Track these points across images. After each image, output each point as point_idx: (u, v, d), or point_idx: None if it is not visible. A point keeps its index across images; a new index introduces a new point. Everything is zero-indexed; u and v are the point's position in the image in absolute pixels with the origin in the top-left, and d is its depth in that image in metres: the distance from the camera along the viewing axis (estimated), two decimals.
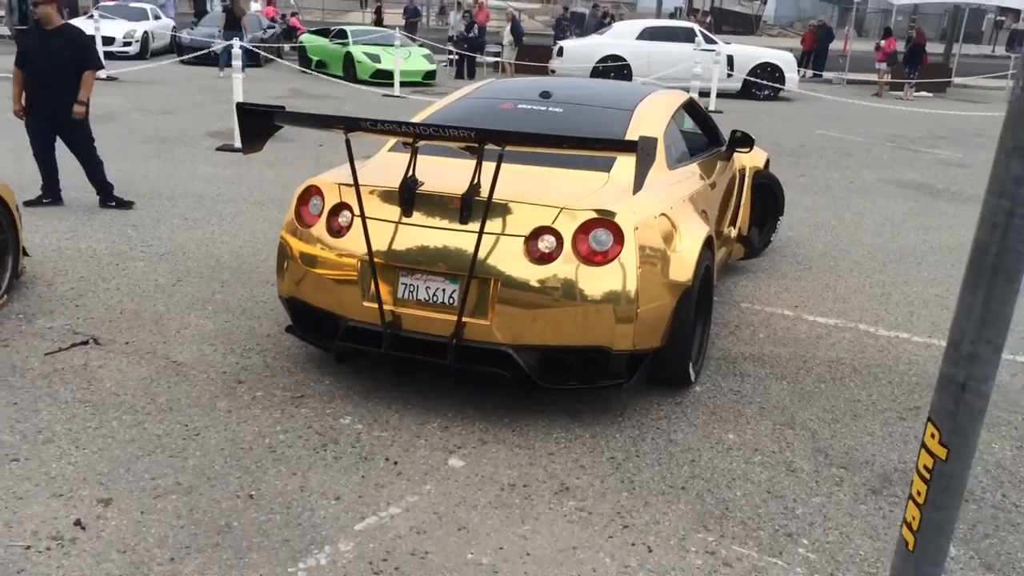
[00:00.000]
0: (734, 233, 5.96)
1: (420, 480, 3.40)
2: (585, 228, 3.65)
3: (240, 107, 3.71)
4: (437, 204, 3.79)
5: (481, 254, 3.62)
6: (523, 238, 3.66)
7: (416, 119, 4.71)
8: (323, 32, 22.21)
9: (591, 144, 3.60)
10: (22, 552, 2.88)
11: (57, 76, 6.93)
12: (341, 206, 3.97)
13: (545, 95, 4.95)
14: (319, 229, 3.99)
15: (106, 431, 3.68)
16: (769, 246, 6.70)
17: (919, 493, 1.23)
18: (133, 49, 21.20)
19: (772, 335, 5.18)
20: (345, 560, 2.90)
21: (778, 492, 3.47)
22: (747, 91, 19.93)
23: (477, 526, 3.13)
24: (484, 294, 3.67)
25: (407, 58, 19.18)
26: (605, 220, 3.66)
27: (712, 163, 5.36)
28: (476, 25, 21.93)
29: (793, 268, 6.60)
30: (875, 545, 3.15)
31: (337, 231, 3.96)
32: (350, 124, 3.55)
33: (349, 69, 19.65)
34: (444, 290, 3.75)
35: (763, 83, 19.59)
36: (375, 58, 19.45)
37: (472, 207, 3.69)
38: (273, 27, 24.21)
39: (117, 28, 21.02)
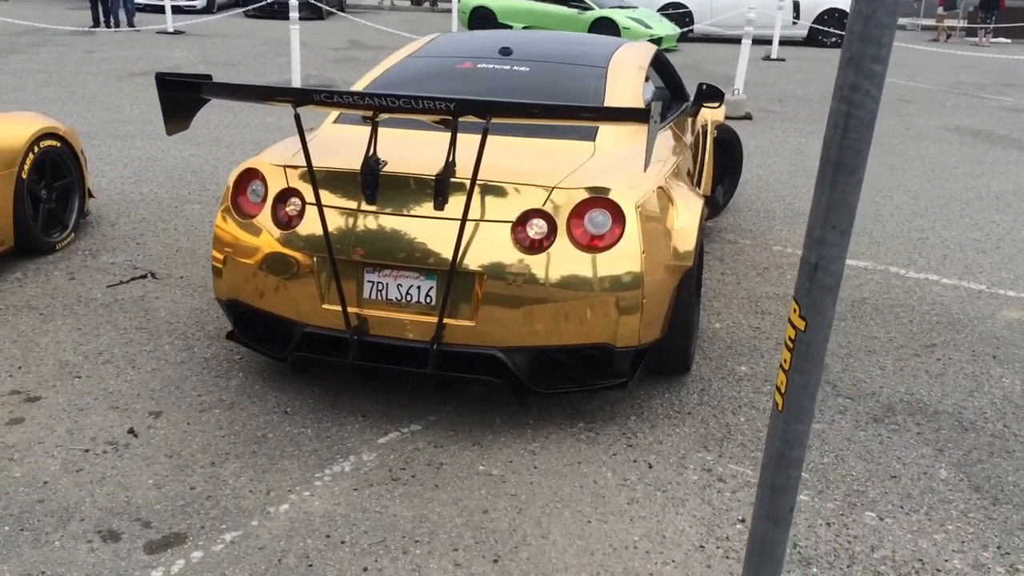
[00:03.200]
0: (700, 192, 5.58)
1: (441, 401, 3.65)
2: (579, 209, 3.21)
3: (160, 78, 3.08)
4: (406, 187, 3.26)
5: (463, 245, 3.15)
6: (510, 224, 3.20)
7: (357, 86, 4.25)
8: None
9: (596, 114, 3.19)
10: (82, 454, 3.22)
11: None
12: (288, 192, 3.41)
13: (505, 51, 4.43)
14: (263, 220, 3.44)
15: (159, 354, 4.01)
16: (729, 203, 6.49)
17: (786, 361, 1.40)
18: (200, 3, 21.66)
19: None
20: (367, 468, 3.18)
21: None
22: (815, 39, 19.54)
23: (491, 442, 3.37)
24: (467, 291, 3.21)
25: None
26: (601, 199, 3.22)
27: (683, 122, 4.99)
28: None
29: None
30: (867, 467, 3.31)
31: (286, 222, 3.40)
32: (300, 96, 3.00)
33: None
34: (419, 287, 3.26)
35: (829, 31, 19.17)
36: (644, 24, 17.77)
37: (448, 189, 3.19)
38: None
39: None
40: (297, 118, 3.08)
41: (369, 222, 3.28)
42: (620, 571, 2.69)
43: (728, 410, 3.69)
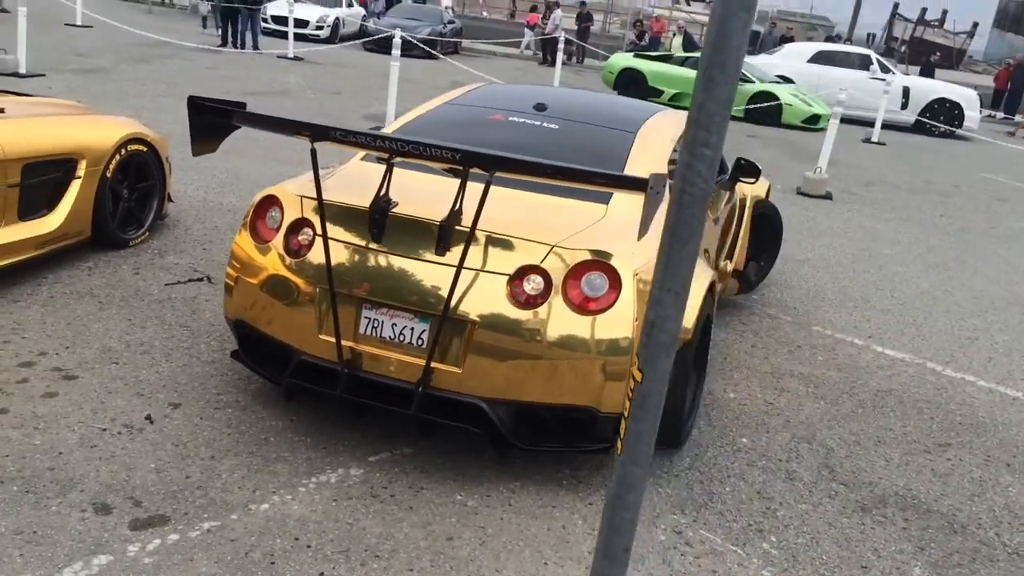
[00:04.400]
0: (730, 267, 5.52)
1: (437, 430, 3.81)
2: (577, 270, 3.24)
3: (192, 101, 3.19)
4: (412, 230, 3.34)
5: (457, 292, 3.22)
6: (507, 277, 3.26)
7: (392, 127, 4.44)
8: (663, 58, 19.63)
9: (594, 178, 3.04)
10: (99, 432, 3.50)
11: None
12: (302, 222, 3.54)
13: (540, 107, 4.53)
14: (276, 246, 3.56)
15: (194, 351, 4.30)
16: (764, 279, 6.38)
17: (627, 409, 1.52)
18: (324, 33, 22.70)
19: (831, 359, 5.27)
20: (351, 482, 3.36)
21: (767, 494, 3.67)
22: (923, 127, 19.22)
23: (474, 475, 3.51)
24: (458, 338, 3.26)
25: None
26: (600, 263, 3.26)
27: (718, 193, 4.97)
28: (647, 35, 22.15)
29: (886, 301, 6.58)
30: (840, 553, 3.32)
31: (296, 250, 3.52)
32: (318, 132, 3.12)
33: (763, 112, 17.35)
34: (412, 329, 3.33)
35: (932, 123, 18.82)
36: (806, 101, 17.54)
37: (451, 237, 3.27)
38: (453, 22, 25.22)
39: (311, 12, 22.62)
40: (313, 152, 3.20)
41: (372, 259, 3.36)
42: None
43: (716, 479, 3.74)
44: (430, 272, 3.29)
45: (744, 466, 3.87)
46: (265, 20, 22.28)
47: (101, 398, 3.76)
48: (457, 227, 3.27)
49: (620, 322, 3.23)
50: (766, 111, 17.35)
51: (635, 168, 3.99)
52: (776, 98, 17.50)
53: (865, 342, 5.64)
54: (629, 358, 3.20)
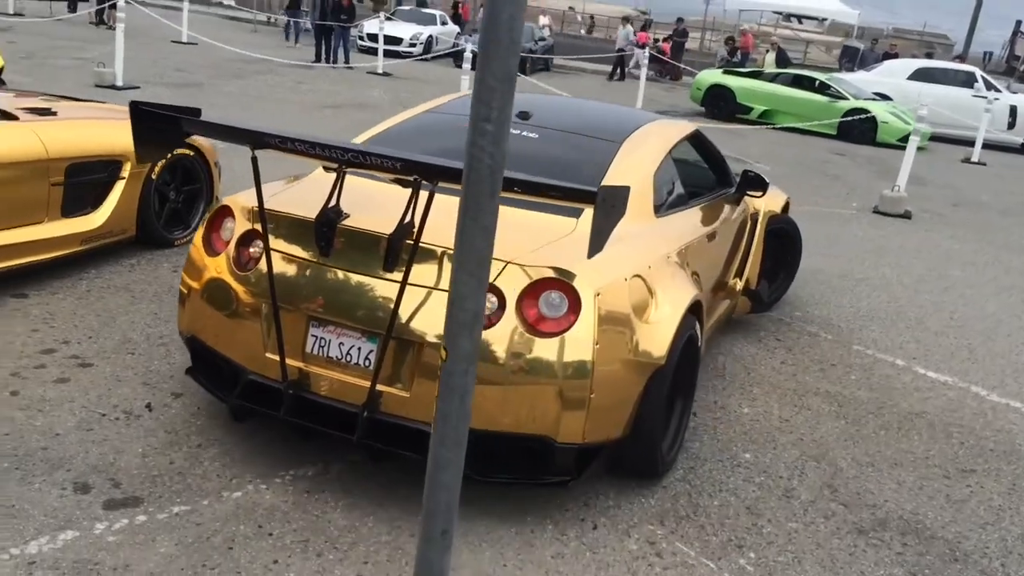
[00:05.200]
0: (740, 285, 5.27)
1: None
2: (535, 289, 3.03)
3: (135, 108, 3.01)
4: (360, 243, 3.14)
5: (405, 311, 3.01)
6: None
7: (368, 133, 4.24)
8: (753, 74, 19.21)
9: (539, 189, 2.75)
10: (98, 417, 3.64)
11: None
12: (252, 234, 3.36)
13: (524, 115, 4.25)
14: (225, 259, 3.41)
15: None
16: (781, 299, 6.07)
17: (436, 390, 1.48)
18: (417, 50, 23.16)
19: (864, 379, 5.06)
20: (328, 476, 3.40)
21: (757, 510, 3.54)
22: None
23: None
24: (405, 359, 3.07)
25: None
26: (559, 281, 3.03)
27: (716, 207, 4.71)
28: (740, 51, 21.80)
29: (942, 323, 6.28)
30: (823, 575, 3.17)
31: (244, 263, 3.36)
32: (256, 140, 2.94)
33: (856, 129, 16.80)
34: (359, 349, 3.14)
35: None
36: (903, 119, 16.70)
37: (400, 251, 3.02)
38: (544, 40, 25.38)
39: (405, 30, 23.14)
40: (254, 160, 2.99)
41: (319, 274, 3.18)
42: None
43: (706, 492, 3.63)
44: (378, 289, 3.10)
45: (740, 481, 3.75)
46: (361, 38, 22.96)
47: (109, 385, 3.91)
48: (407, 241, 3.00)
49: (577, 345, 3.01)
50: (859, 129, 16.82)
51: (615, 179, 3.74)
52: (871, 116, 16.94)
53: (907, 363, 5.39)
54: (588, 383, 3.03)
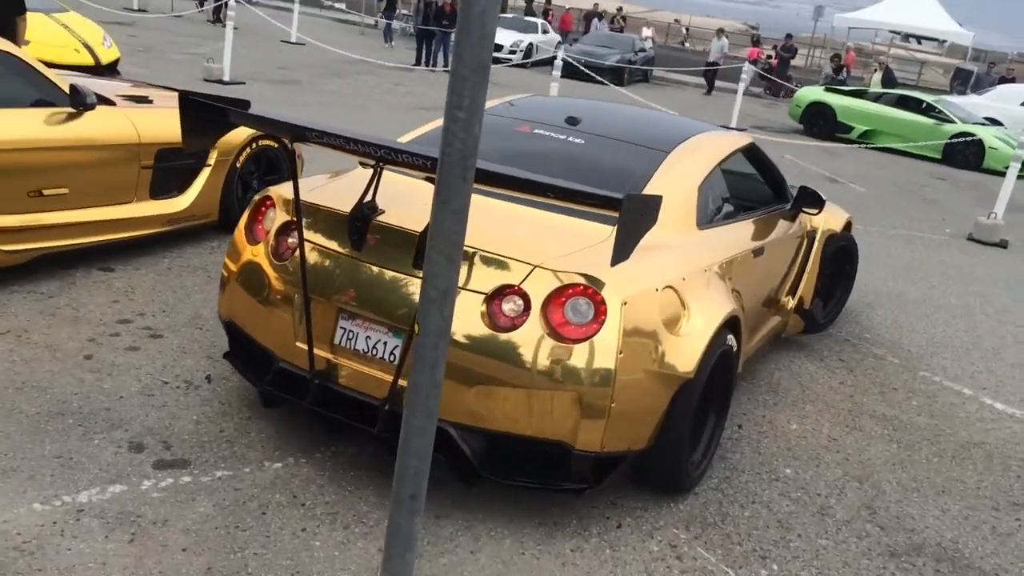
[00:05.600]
0: (792, 304, 5.16)
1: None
2: (561, 293, 3.03)
3: (184, 98, 3.05)
4: (392, 240, 3.18)
5: None
6: (483, 296, 3.06)
7: (420, 130, 4.31)
8: (856, 93, 18.72)
9: (564, 193, 2.73)
10: (161, 384, 3.87)
11: None
12: (291, 225, 3.42)
13: (572, 121, 4.29)
14: (265, 248, 3.49)
15: None
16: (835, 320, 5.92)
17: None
18: (517, 58, 23.38)
19: (926, 405, 4.93)
20: (366, 455, 3.53)
21: (788, 524, 3.52)
22: None
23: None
24: None
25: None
26: (586, 287, 3.03)
27: (769, 223, 4.62)
28: (845, 68, 21.33)
29: (1020, 355, 6.06)
30: None
31: (282, 253, 3.43)
32: (295, 133, 3.00)
33: (960, 154, 16.39)
34: (385, 343, 3.18)
35: None
36: (1012, 144, 15.50)
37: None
38: (644, 51, 25.28)
39: (506, 37, 23.38)
40: (291, 153, 3.11)
41: (351, 268, 3.22)
42: None
43: (739, 502, 3.63)
44: (407, 285, 3.12)
45: (775, 495, 3.73)
46: None
47: (175, 357, 4.14)
48: None
49: (601, 352, 2.99)
50: (965, 153, 16.25)
51: (657, 188, 3.71)
52: (979, 140, 16.34)
53: (975, 393, 5.24)
54: (609, 392, 3.01)
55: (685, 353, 3.29)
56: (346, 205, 3.27)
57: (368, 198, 3.23)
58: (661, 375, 3.23)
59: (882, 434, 4.47)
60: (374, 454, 3.55)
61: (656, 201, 2.75)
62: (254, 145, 5.91)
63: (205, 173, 5.63)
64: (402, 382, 3.08)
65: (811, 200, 4.86)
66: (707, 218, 3.99)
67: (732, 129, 5.01)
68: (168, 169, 5.38)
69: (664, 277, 3.34)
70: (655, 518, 3.42)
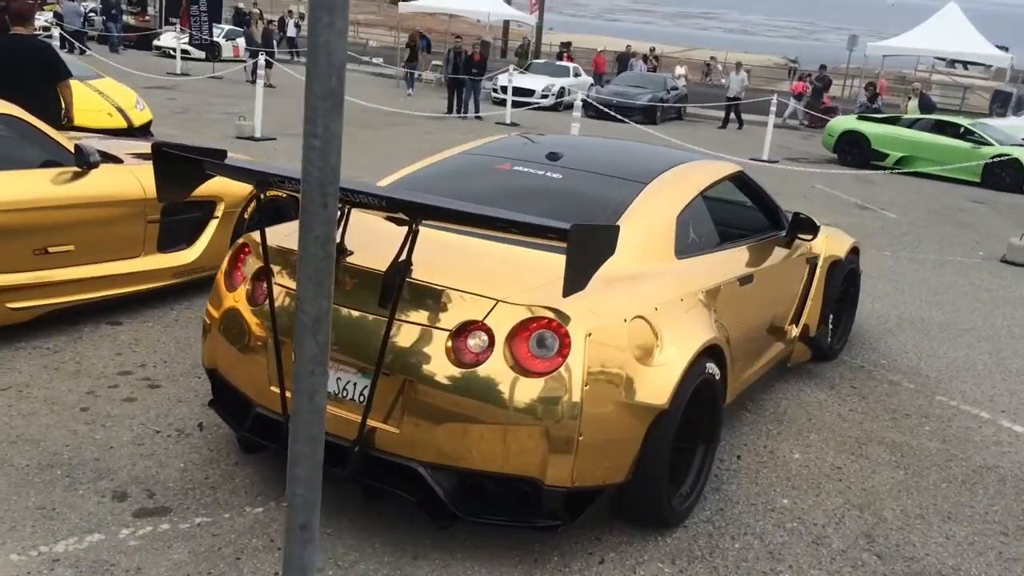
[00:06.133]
0: (795, 332, 5.08)
1: None
2: (525, 327, 3.01)
3: (157, 150, 3.08)
4: (358, 280, 3.19)
5: (398, 347, 3.05)
6: (448, 333, 3.04)
7: (404, 172, 4.39)
8: (890, 120, 18.40)
9: (513, 226, 2.78)
10: (152, 434, 3.92)
11: None
12: (265, 271, 3.35)
13: (553, 156, 4.30)
14: (241, 294, 3.53)
15: None
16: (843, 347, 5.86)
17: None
18: (548, 101, 23.58)
19: (940, 430, 4.79)
20: (353, 495, 3.52)
21: (780, 555, 3.42)
22: None
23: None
24: (395, 396, 3.08)
25: None
26: (550, 320, 3.01)
27: (760, 250, 4.55)
28: (879, 96, 21.14)
29: None
30: None
31: (257, 299, 3.46)
32: (260, 179, 3.09)
33: (999, 176, 16.00)
34: (355, 384, 3.18)
35: None
36: None
37: (396, 288, 3.01)
38: (676, 89, 25.34)
39: (537, 82, 23.68)
40: (258, 199, 3.20)
41: None
42: None
43: (730, 534, 3.54)
44: (373, 325, 3.11)
45: (770, 526, 3.64)
46: (495, 90, 23.62)
47: (170, 406, 4.20)
48: (409, 279, 3.06)
49: (565, 386, 2.97)
50: (1004, 176, 15.91)
51: (632, 219, 3.72)
52: (1019, 163, 16.00)
53: (994, 416, 5.07)
54: (576, 425, 2.98)
55: (658, 383, 3.24)
56: None
57: (336, 240, 3.26)
58: (632, 406, 3.17)
59: (889, 461, 4.35)
60: (358, 496, 3.54)
61: (611, 231, 2.77)
62: (262, 196, 6.02)
63: (212, 225, 5.75)
64: (373, 423, 3.09)
65: (805, 227, 4.80)
66: (687, 247, 3.94)
67: (724, 158, 4.95)
68: (175, 223, 5.51)
69: (634, 307, 3.30)
70: (640, 552, 3.36)
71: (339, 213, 3.19)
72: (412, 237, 2.94)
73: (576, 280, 2.64)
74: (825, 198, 13.17)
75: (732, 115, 23.81)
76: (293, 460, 1.54)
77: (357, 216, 3.33)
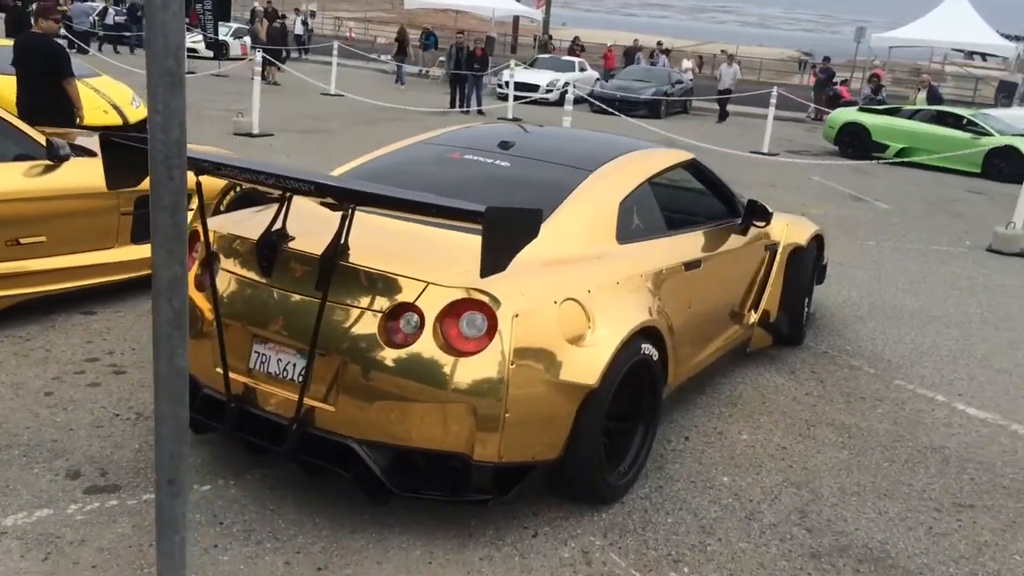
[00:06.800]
0: (754, 318, 5.23)
1: None
2: (455, 309, 3.12)
3: (104, 139, 3.09)
4: (296, 265, 3.32)
5: (333, 328, 3.18)
6: (381, 314, 3.16)
7: (359, 161, 4.46)
8: (891, 111, 18.36)
9: (430, 209, 2.92)
10: (111, 417, 4.06)
11: None
12: (212, 257, 3.51)
13: (504, 145, 4.46)
14: (190, 280, 3.59)
15: None
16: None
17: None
18: (553, 96, 23.62)
19: (891, 413, 4.87)
20: (300, 476, 3.65)
21: (711, 530, 3.52)
22: None
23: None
24: (332, 376, 3.21)
25: None
26: (479, 302, 3.11)
27: (711, 237, 4.65)
28: (884, 88, 21.10)
29: (1009, 362, 5.92)
30: None
31: (203, 284, 3.56)
32: (196, 166, 3.07)
33: (999, 167, 15.97)
34: (294, 365, 3.30)
35: None
36: None
37: (331, 272, 3.14)
38: (681, 83, 25.36)
39: (542, 77, 23.77)
40: (198, 184, 3.12)
41: (261, 294, 3.36)
42: None
43: (665, 509, 3.64)
44: (309, 307, 3.21)
45: (706, 502, 3.73)
46: (500, 86, 23.70)
47: (132, 391, 4.34)
48: (343, 263, 3.19)
49: (491, 365, 3.09)
50: (1003, 166, 15.87)
51: (575, 205, 3.86)
52: (1018, 152, 15.95)
53: (949, 399, 5.14)
54: (502, 403, 3.11)
55: (588, 363, 3.33)
56: (254, 234, 3.43)
57: (278, 226, 3.37)
58: (561, 385, 3.28)
59: (835, 442, 4.43)
60: (301, 476, 3.66)
61: (531, 214, 2.84)
62: (237, 189, 6.16)
63: (187, 217, 5.87)
64: (311, 402, 3.23)
65: (759, 214, 4.90)
66: (631, 233, 4.03)
67: (675, 147, 5.04)
68: (148, 215, 5.64)
69: (567, 290, 3.40)
70: (574, 527, 3.46)
71: (280, 201, 3.37)
72: (347, 222, 3.09)
73: (493, 261, 2.74)
74: (820, 189, 13.20)
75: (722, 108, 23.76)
76: (158, 419, 1.66)
77: (302, 204, 3.48)
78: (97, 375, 4.47)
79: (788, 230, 5.52)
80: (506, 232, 2.75)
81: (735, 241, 4.87)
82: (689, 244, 4.42)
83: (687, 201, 4.94)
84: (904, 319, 6.69)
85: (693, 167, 4.84)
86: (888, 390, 5.21)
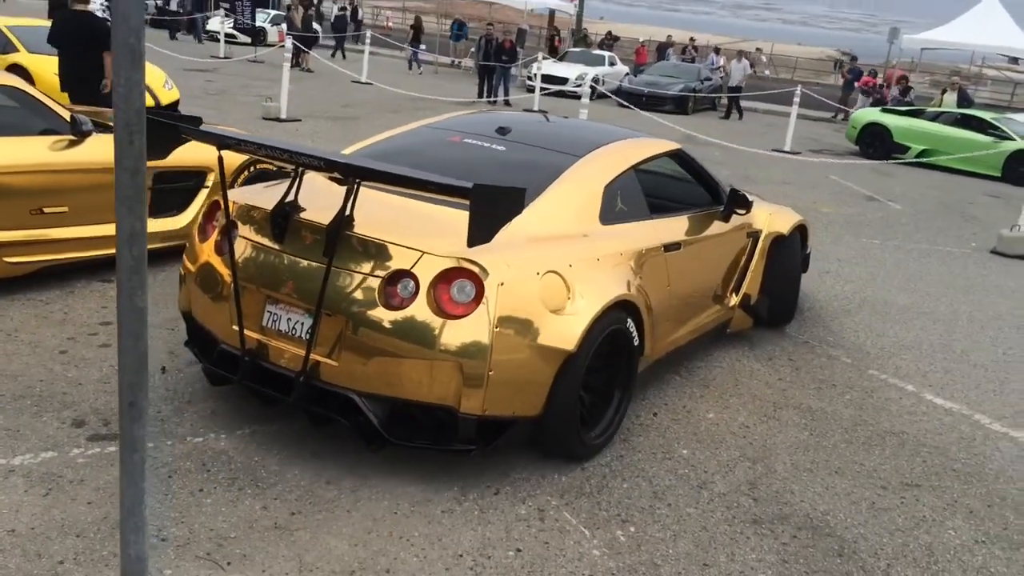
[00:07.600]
0: (734, 300, 5.55)
1: None
2: (447, 276, 3.46)
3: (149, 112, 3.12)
4: (305, 233, 3.67)
5: (338, 291, 3.53)
6: (380, 279, 3.51)
7: (368, 141, 4.83)
8: (914, 112, 18.40)
9: (421, 184, 3.25)
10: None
11: None
12: (231, 224, 3.84)
13: (502, 131, 4.77)
14: (210, 245, 4.02)
15: None
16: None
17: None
18: (583, 90, 23.80)
19: (858, 399, 5.08)
20: (289, 431, 3.96)
21: (662, 496, 3.78)
22: None
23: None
24: (336, 334, 3.56)
25: None
26: (469, 271, 3.46)
27: (694, 222, 4.96)
28: (911, 91, 21.06)
29: (987, 357, 6.09)
30: (690, 551, 3.39)
31: (222, 250, 3.92)
32: (220, 141, 3.45)
33: (1018, 171, 16.10)
34: (302, 324, 3.65)
35: None
36: None
37: (337, 240, 3.49)
38: (710, 79, 25.43)
39: (571, 71, 24.00)
40: (220, 160, 3.67)
41: (274, 259, 3.72)
42: (383, 567, 3.20)
43: (622, 476, 3.90)
44: (317, 272, 3.55)
45: (662, 471, 3.99)
46: (530, 78, 23.93)
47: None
48: (346, 232, 3.54)
49: (476, 328, 3.43)
50: (1020, 170, 15.87)
51: (562, 188, 4.19)
52: None
53: (918, 389, 5.34)
54: (485, 363, 3.45)
55: (566, 330, 3.66)
56: (273, 205, 3.78)
57: (291, 198, 3.75)
58: (542, 348, 3.61)
59: (797, 423, 4.66)
60: (293, 431, 3.98)
61: (515, 193, 3.14)
62: (252, 168, 6.49)
63: (203, 194, 6.23)
64: (316, 357, 3.59)
65: (740, 202, 5.16)
66: (614, 215, 4.34)
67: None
68: (166, 191, 5.99)
69: (549, 263, 3.73)
70: (534, 487, 3.74)
71: (293, 175, 3.75)
72: (352, 196, 3.45)
73: (479, 233, 3.06)
74: (835, 188, 13.32)
75: (735, 106, 23.75)
76: (121, 351, 1.96)
77: (313, 179, 3.94)
78: (109, 337, 4.81)
79: (771, 219, 5.78)
80: (492, 207, 3.06)
81: (717, 227, 5.15)
82: (670, 228, 4.71)
83: (672, 188, 5.25)
84: (892, 314, 6.88)
85: (679, 157, 5.14)
86: (860, 379, 5.42)
